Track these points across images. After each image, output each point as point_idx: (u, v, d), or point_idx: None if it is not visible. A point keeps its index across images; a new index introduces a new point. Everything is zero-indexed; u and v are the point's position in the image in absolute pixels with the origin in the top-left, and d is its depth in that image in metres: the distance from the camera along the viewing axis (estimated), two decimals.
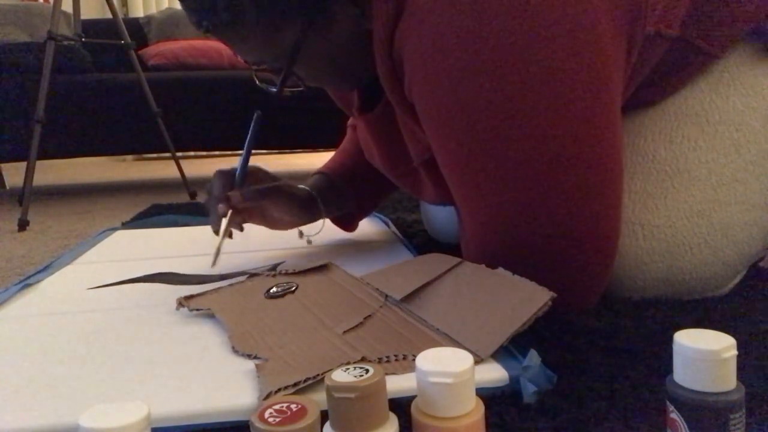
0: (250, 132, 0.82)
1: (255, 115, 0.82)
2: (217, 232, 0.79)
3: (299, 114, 2.20)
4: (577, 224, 0.55)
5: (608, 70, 0.53)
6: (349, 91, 0.77)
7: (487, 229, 0.58)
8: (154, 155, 3.78)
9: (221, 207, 0.77)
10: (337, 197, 0.90)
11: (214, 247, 0.77)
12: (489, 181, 0.55)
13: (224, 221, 0.76)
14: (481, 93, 0.53)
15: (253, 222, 0.83)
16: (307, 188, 0.87)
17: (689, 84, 0.63)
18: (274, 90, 0.69)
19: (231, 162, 3.76)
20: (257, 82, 0.72)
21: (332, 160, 0.95)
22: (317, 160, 3.40)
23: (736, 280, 0.67)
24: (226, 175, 0.80)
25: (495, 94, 0.52)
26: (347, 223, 0.97)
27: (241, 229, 0.82)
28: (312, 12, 0.61)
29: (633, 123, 0.64)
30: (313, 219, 0.87)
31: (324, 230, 0.97)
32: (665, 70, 0.61)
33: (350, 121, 0.97)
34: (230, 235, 0.80)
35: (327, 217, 0.89)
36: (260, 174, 0.83)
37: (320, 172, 0.92)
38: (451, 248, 0.88)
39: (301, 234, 0.92)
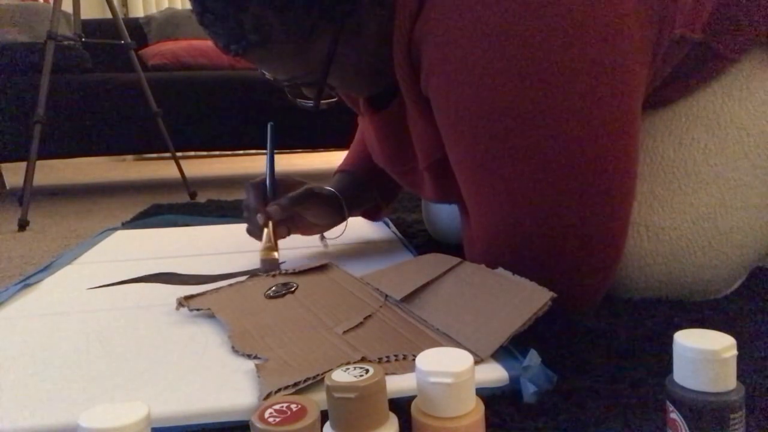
0: (268, 143, 0.83)
1: (269, 126, 0.84)
2: (259, 238, 0.81)
3: (300, 114, 2.20)
4: (588, 227, 0.55)
5: (633, 75, 0.53)
6: (375, 93, 0.76)
7: (497, 228, 0.57)
8: (154, 155, 3.78)
9: (260, 217, 0.78)
10: (360, 195, 0.90)
11: (260, 249, 0.78)
12: (503, 181, 0.55)
13: (266, 231, 0.78)
14: (502, 91, 0.52)
15: (293, 231, 0.83)
16: (332, 190, 0.87)
17: (702, 86, 0.62)
18: (311, 104, 0.68)
19: (231, 162, 3.75)
20: (290, 97, 0.71)
21: (351, 154, 0.95)
22: (318, 160, 3.40)
23: (738, 284, 0.67)
24: (258, 187, 0.81)
25: (516, 94, 0.52)
26: (373, 213, 0.98)
27: (286, 235, 0.83)
28: (341, 19, 0.60)
29: (643, 123, 0.63)
30: (338, 221, 0.87)
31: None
32: (682, 73, 0.60)
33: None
34: (276, 248, 0.79)
35: (350, 217, 0.89)
36: (289, 181, 0.84)
37: (342, 170, 0.92)
38: (452, 248, 0.88)
39: (322, 237, 0.93)
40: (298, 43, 0.61)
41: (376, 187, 0.92)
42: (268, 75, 0.68)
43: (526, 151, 0.53)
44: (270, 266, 0.77)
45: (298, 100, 0.71)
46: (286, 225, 0.82)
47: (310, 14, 0.59)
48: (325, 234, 0.91)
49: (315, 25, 0.60)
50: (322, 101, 0.68)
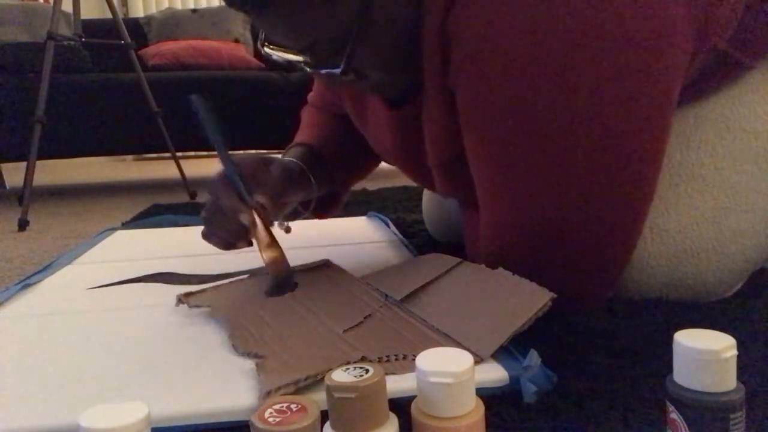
0: (204, 121, 0.65)
1: (192, 99, 0.64)
2: (241, 245, 0.68)
3: (299, 114, 2.19)
4: (606, 230, 0.55)
5: (673, 82, 0.52)
6: (392, 93, 0.68)
7: (515, 227, 0.57)
8: (154, 155, 3.78)
9: (244, 216, 0.65)
10: (323, 169, 0.80)
11: (262, 251, 0.65)
12: (526, 181, 0.54)
13: (259, 227, 0.65)
14: (538, 93, 0.51)
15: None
16: (301, 165, 0.76)
17: (713, 90, 0.62)
18: (338, 71, 0.57)
19: None
20: (308, 70, 0.61)
21: (308, 132, 0.86)
22: None
23: (739, 286, 0.67)
24: (228, 184, 0.66)
25: (553, 96, 0.50)
26: (327, 206, 0.87)
27: (288, 230, 0.74)
28: None
29: None
30: (306, 195, 0.76)
31: (325, 229, 0.96)
32: (699, 78, 0.60)
33: (310, 97, 0.91)
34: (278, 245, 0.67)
35: (317, 193, 0.78)
36: (247, 162, 0.69)
37: (301, 144, 0.82)
38: (452, 248, 0.88)
39: (281, 224, 0.78)
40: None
41: (333, 171, 0.81)
42: (280, 53, 0.60)
43: (555, 154, 0.52)
44: (281, 269, 0.65)
45: (314, 69, 0.61)
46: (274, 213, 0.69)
47: None
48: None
49: None
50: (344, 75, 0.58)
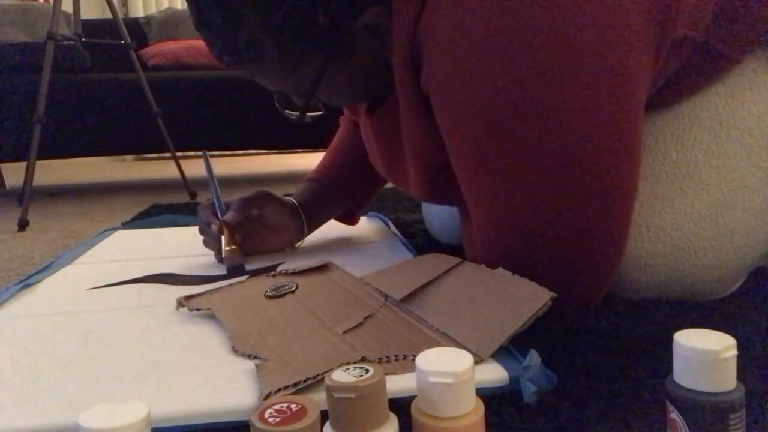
0: (206, 169, 0.91)
1: (204, 154, 0.94)
2: (221, 260, 0.84)
3: None
4: (589, 227, 0.55)
5: (636, 76, 0.53)
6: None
7: (498, 228, 0.57)
8: (154, 155, 3.78)
9: (214, 227, 0.83)
10: (327, 205, 0.93)
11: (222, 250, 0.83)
12: (504, 181, 0.55)
13: (225, 235, 0.83)
14: (503, 90, 0.52)
15: (253, 242, 0.88)
16: (291, 199, 0.90)
17: (705, 87, 0.62)
18: (295, 116, 0.71)
19: (231, 162, 3.75)
20: (277, 107, 0.73)
21: (325, 161, 0.97)
22: (317, 160, 3.40)
23: (738, 284, 0.67)
24: (209, 206, 0.87)
25: (519, 95, 0.52)
26: (348, 218, 1.00)
27: (242, 239, 0.87)
28: (331, 47, 0.62)
29: (646, 124, 0.63)
30: (299, 229, 0.90)
31: (325, 229, 0.97)
32: (685, 74, 0.60)
33: (343, 115, 0.99)
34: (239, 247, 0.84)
35: (311, 230, 0.92)
36: (250, 197, 0.87)
37: (311, 179, 0.95)
38: (451, 248, 0.88)
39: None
40: (287, 65, 0.63)
41: (349, 194, 0.94)
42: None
43: (527, 150, 0.53)
44: (233, 261, 0.81)
45: (285, 110, 0.73)
46: (246, 230, 0.87)
47: (302, 40, 0.61)
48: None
49: (305, 51, 0.62)
50: (308, 114, 0.70)
